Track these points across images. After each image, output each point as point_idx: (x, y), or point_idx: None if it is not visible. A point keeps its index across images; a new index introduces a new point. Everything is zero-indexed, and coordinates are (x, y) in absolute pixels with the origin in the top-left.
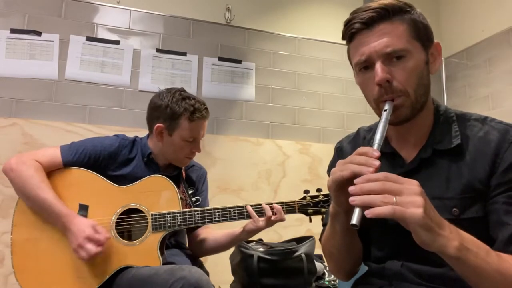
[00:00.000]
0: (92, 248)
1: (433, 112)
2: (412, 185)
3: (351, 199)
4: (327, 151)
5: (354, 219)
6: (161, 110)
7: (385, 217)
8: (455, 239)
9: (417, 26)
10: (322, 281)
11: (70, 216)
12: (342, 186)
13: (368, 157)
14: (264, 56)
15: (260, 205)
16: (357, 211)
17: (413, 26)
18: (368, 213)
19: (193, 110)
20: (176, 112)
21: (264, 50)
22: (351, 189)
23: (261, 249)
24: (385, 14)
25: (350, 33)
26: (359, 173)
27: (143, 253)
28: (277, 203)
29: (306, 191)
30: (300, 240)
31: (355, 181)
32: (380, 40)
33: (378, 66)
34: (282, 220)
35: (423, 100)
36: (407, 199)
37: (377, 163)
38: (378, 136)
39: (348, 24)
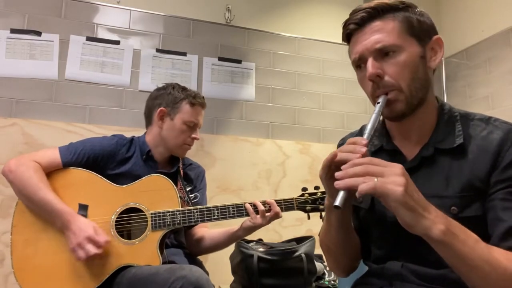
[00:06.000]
0: (91, 249)
1: (436, 110)
2: (395, 168)
3: (335, 183)
4: (327, 151)
5: (337, 201)
6: (163, 96)
7: (367, 192)
8: (440, 223)
9: (411, 23)
10: (322, 281)
11: (71, 214)
12: (332, 175)
13: (356, 145)
14: (264, 56)
15: (250, 203)
16: (340, 194)
17: (406, 22)
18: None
19: (194, 96)
20: (177, 97)
21: (264, 50)
22: (336, 174)
23: (261, 249)
24: (375, 13)
25: (346, 34)
26: (345, 159)
27: (143, 252)
28: (275, 201)
29: (304, 189)
30: (300, 240)
31: (342, 167)
32: (371, 38)
33: (369, 62)
34: (277, 215)
35: (420, 95)
36: (389, 179)
37: (364, 149)
38: (369, 126)
39: (344, 26)
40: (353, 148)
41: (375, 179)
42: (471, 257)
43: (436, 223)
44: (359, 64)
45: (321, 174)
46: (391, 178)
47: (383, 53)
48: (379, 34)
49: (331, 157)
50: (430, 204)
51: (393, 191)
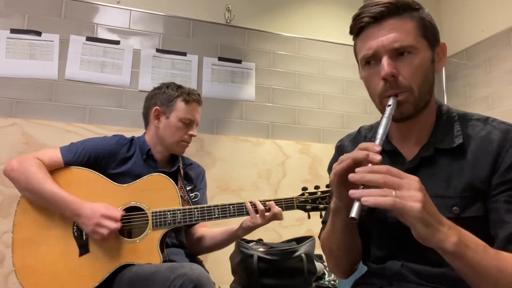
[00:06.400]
0: (111, 224)
1: (435, 111)
2: (412, 181)
3: (350, 192)
4: (327, 151)
5: (353, 212)
6: (158, 96)
7: (385, 207)
8: (453, 235)
9: (425, 25)
10: (322, 281)
11: (79, 202)
12: (344, 180)
13: (369, 151)
14: (264, 56)
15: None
16: (356, 204)
17: (422, 24)
18: (366, 200)
19: (188, 93)
20: (172, 95)
21: (264, 50)
22: (351, 175)
23: (261, 249)
24: (394, 10)
25: (359, 27)
26: (361, 160)
27: (144, 251)
28: (276, 200)
29: (304, 188)
30: (300, 240)
31: (356, 169)
32: (388, 35)
33: (385, 60)
34: (276, 216)
35: (427, 98)
36: (407, 193)
37: (379, 157)
38: (380, 131)
39: (356, 18)
40: (366, 155)
41: (393, 193)
42: (482, 265)
43: (449, 235)
44: (369, 60)
45: (332, 179)
46: (409, 193)
47: (398, 53)
48: (397, 32)
49: (345, 165)
50: (443, 216)
51: (411, 207)
